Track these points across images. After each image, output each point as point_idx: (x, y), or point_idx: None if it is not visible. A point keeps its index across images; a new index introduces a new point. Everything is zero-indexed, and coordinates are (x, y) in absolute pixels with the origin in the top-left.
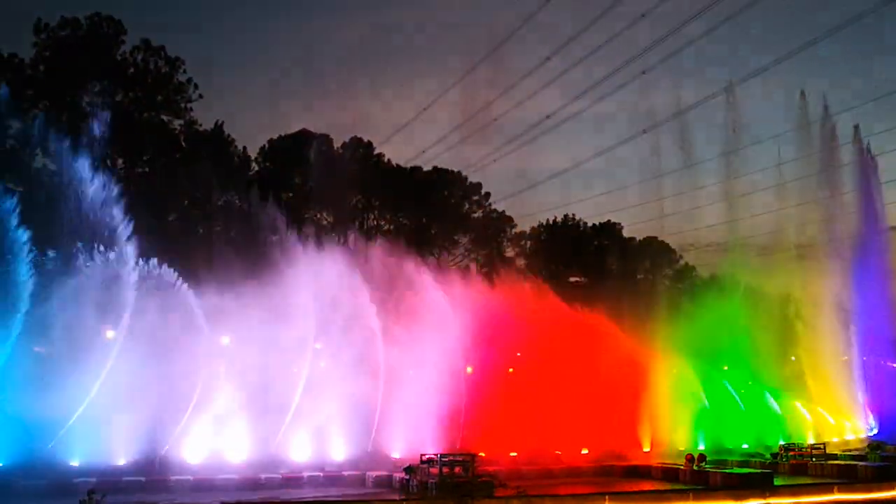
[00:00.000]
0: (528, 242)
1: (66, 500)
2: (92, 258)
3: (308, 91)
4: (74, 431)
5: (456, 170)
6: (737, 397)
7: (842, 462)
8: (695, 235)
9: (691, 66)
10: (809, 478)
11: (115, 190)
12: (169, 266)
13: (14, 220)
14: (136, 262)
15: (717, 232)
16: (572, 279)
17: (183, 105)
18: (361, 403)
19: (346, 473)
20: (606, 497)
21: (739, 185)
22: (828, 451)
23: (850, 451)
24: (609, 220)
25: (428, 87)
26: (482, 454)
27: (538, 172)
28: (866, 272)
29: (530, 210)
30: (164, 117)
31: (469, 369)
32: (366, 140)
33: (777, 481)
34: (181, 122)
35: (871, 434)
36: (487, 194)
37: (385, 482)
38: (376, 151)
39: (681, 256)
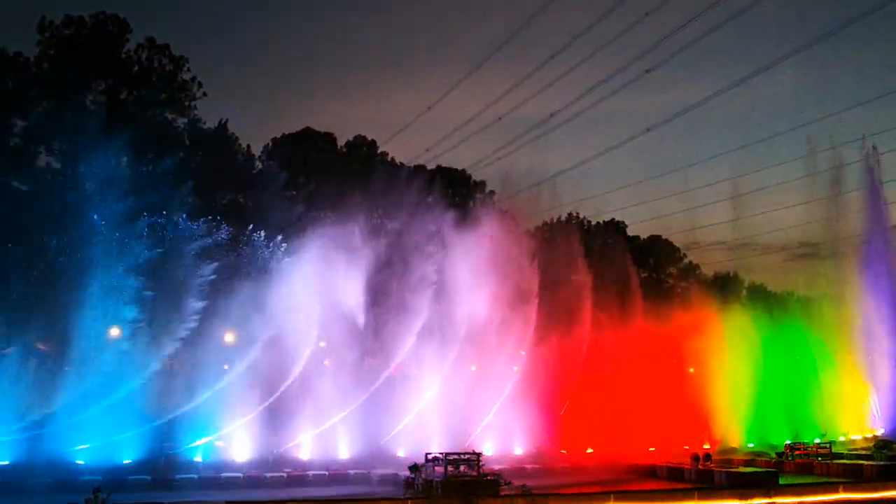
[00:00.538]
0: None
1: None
2: None
3: (312, 89)
4: None
5: (460, 168)
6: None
7: (847, 461)
8: (697, 234)
9: (695, 65)
10: (815, 477)
11: None
12: None
13: None
14: None
15: (718, 231)
16: (575, 278)
17: (187, 103)
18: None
19: (351, 472)
20: (612, 496)
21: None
22: (834, 450)
23: (856, 450)
24: (613, 219)
25: (432, 86)
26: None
27: (542, 171)
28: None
29: (534, 208)
30: (169, 115)
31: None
32: (370, 138)
33: (782, 480)
34: (185, 120)
35: (879, 433)
36: (492, 192)
37: (390, 480)
38: (380, 150)
39: (685, 255)
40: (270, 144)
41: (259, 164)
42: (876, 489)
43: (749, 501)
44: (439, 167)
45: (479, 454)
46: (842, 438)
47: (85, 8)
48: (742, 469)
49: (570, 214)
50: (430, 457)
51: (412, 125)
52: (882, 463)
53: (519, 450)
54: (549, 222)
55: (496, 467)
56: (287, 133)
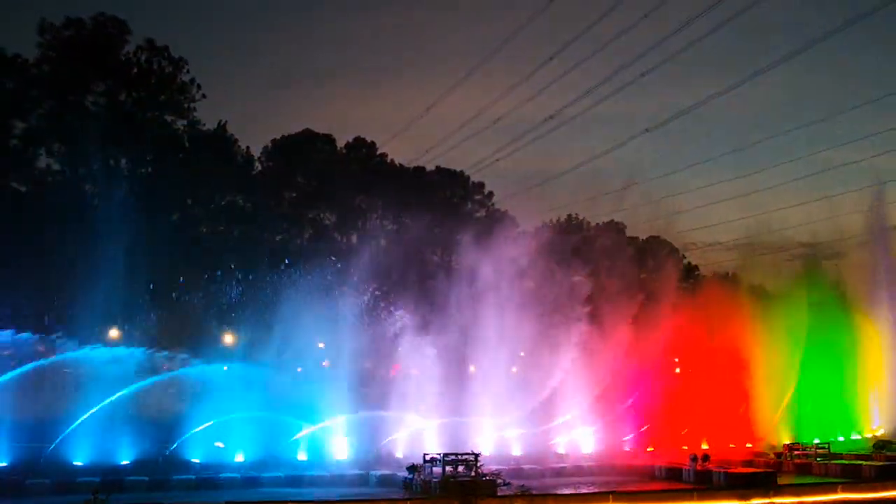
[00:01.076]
0: (532, 242)
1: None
2: None
3: (311, 91)
4: None
5: (459, 170)
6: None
7: (846, 462)
8: (697, 235)
9: (695, 65)
10: (814, 477)
11: None
12: None
13: None
14: None
15: (718, 231)
16: (575, 278)
17: (186, 105)
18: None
19: (349, 473)
20: (611, 496)
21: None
22: (832, 450)
23: (854, 450)
24: (612, 220)
25: (431, 88)
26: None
27: (541, 172)
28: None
29: (533, 210)
30: (168, 117)
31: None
32: (369, 140)
33: (781, 481)
34: (185, 121)
35: (878, 433)
36: (490, 194)
37: (388, 481)
38: (379, 151)
39: (684, 256)
40: (270, 146)
41: (258, 166)
42: (874, 489)
43: (748, 502)
44: (438, 168)
45: (477, 455)
46: (840, 438)
47: (85, 10)
48: (740, 469)
49: (569, 216)
50: (428, 457)
51: (411, 126)
52: (881, 463)
53: (517, 451)
54: (550, 222)
55: (494, 468)
56: (286, 134)
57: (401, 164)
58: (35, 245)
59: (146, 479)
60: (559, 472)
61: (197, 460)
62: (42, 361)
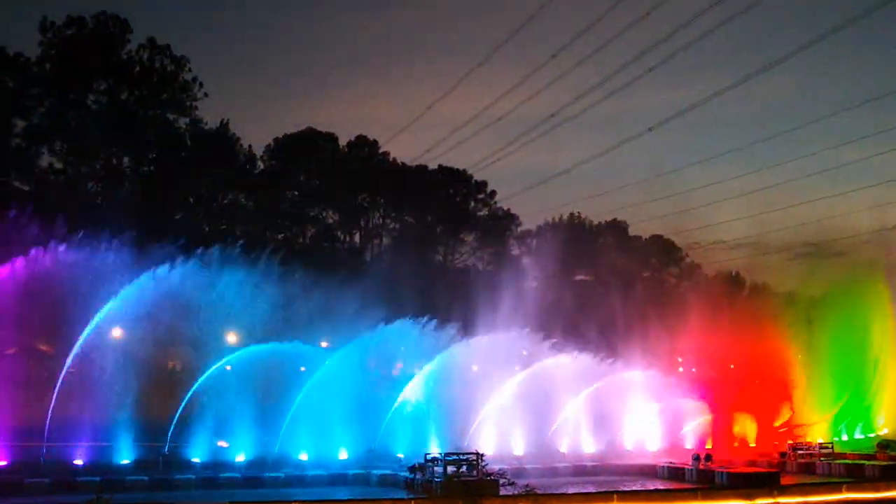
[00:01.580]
0: (534, 241)
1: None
2: None
3: (314, 89)
4: None
5: (461, 168)
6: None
7: (850, 462)
8: (699, 234)
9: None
10: (818, 477)
11: None
12: None
13: None
14: None
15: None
16: (578, 277)
17: (188, 103)
18: None
19: (350, 472)
20: (615, 496)
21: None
22: (836, 450)
23: (857, 450)
24: (615, 219)
25: (433, 86)
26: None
27: (544, 171)
28: None
29: (536, 208)
30: (170, 116)
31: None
32: (371, 138)
33: (785, 480)
34: (187, 120)
35: (881, 432)
36: (493, 192)
37: (389, 481)
38: (382, 150)
39: (686, 254)
40: (272, 144)
41: (260, 164)
42: (878, 489)
43: (753, 501)
44: (441, 167)
45: (480, 454)
46: (871, 434)
47: (86, 8)
48: (742, 469)
49: (571, 214)
50: (429, 457)
51: (414, 125)
52: (885, 463)
53: (519, 450)
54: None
55: (497, 467)
56: (289, 133)
57: (403, 163)
58: None
59: (146, 478)
60: (561, 472)
61: (197, 460)
62: None
